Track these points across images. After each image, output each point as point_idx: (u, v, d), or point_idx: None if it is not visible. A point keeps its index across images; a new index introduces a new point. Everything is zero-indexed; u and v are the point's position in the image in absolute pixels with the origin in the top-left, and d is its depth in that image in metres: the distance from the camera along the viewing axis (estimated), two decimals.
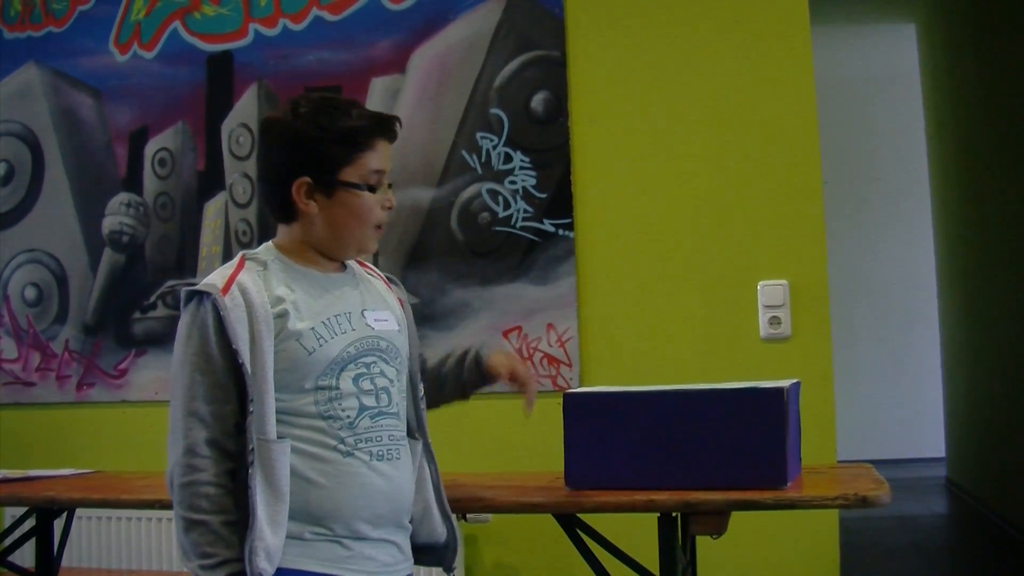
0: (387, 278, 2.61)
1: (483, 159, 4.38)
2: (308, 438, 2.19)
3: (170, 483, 2.13)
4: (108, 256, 4.79)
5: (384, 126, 2.34)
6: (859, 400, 10.16)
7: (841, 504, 3.04)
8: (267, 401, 2.14)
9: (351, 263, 2.46)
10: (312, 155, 2.27)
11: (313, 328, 2.21)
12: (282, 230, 2.36)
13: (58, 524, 3.57)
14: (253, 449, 2.12)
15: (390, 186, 2.39)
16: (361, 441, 2.23)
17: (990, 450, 8.25)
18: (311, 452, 2.18)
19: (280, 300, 2.21)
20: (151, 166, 4.76)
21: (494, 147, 4.37)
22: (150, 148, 4.77)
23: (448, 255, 4.40)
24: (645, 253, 4.23)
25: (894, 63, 10.48)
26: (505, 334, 4.32)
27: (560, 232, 4.31)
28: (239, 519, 2.11)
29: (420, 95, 4.47)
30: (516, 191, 4.35)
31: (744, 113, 4.26)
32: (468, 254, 4.38)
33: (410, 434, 2.45)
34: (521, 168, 4.35)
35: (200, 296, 2.19)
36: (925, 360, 10.40)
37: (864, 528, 7.20)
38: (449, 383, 2.79)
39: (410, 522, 2.41)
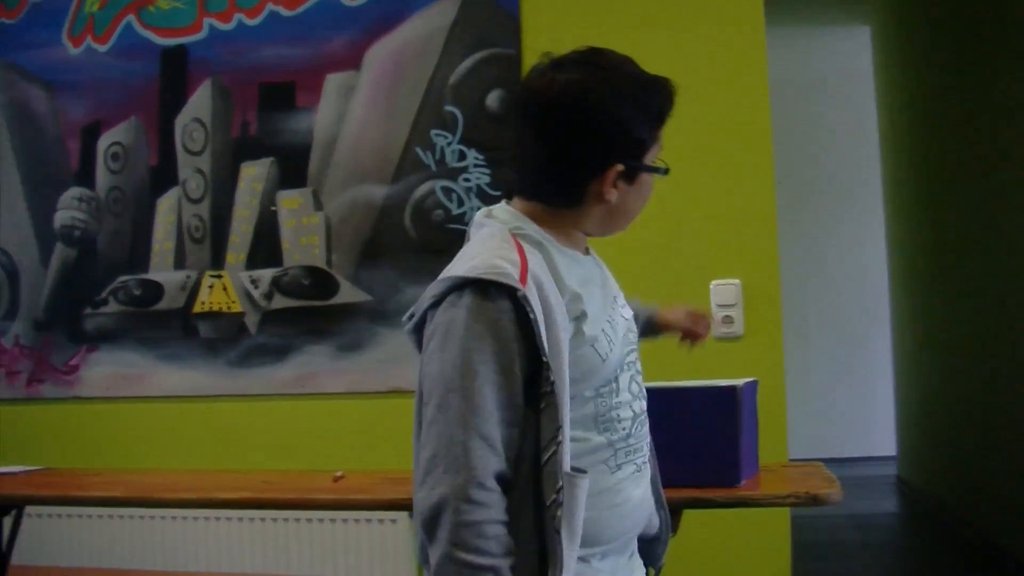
0: None
1: (437, 156, 4.37)
2: (583, 452, 1.87)
3: (435, 516, 1.70)
4: (60, 251, 4.76)
5: (672, 97, 1.95)
6: (811, 399, 10.23)
7: (792, 502, 3.06)
8: (567, 425, 1.78)
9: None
10: (629, 137, 1.89)
11: (603, 330, 1.89)
12: (536, 207, 1.95)
13: (8, 522, 3.54)
14: (563, 487, 1.75)
15: None
16: (630, 453, 1.95)
17: (940, 449, 8.32)
18: (581, 469, 1.82)
19: (577, 298, 1.86)
20: (104, 160, 4.73)
21: (448, 144, 4.36)
22: (103, 142, 4.74)
23: (401, 252, 4.39)
24: (597, 252, 4.24)
25: (848, 65, 10.55)
26: None
27: None
28: (535, 560, 1.76)
29: (374, 92, 4.46)
30: (470, 189, 4.35)
31: (698, 113, 4.28)
32: (422, 252, 4.38)
33: None
34: (475, 166, 4.34)
35: (488, 287, 1.75)
36: (877, 359, 10.48)
37: (815, 526, 7.25)
38: None
39: None
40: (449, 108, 4.38)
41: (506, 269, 1.75)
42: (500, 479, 1.72)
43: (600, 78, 1.88)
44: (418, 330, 1.87)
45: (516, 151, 1.99)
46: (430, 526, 1.71)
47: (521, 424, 1.75)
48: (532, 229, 1.90)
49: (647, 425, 2.04)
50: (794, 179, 9.95)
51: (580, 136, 1.87)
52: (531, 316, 1.73)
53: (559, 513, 1.74)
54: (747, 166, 4.22)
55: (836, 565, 6.53)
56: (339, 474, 3.59)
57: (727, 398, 2.77)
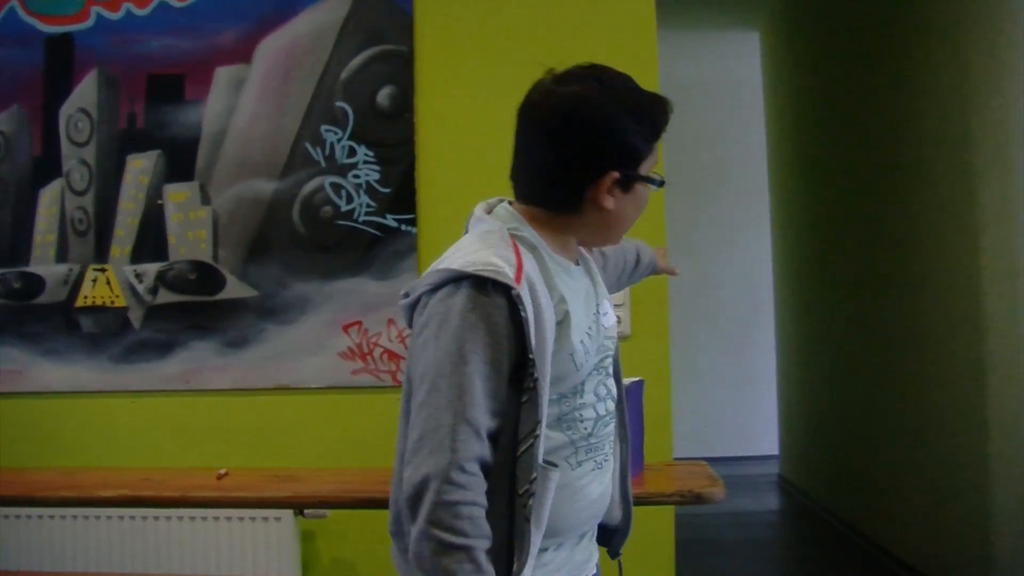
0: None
1: (327, 152, 4.35)
2: (546, 449, 1.94)
3: (418, 494, 1.80)
4: None
5: (668, 112, 2.09)
6: (697, 399, 10.35)
7: (676, 501, 3.11)
8: (545, 421, 1.89)
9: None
10: (624, 147, 1.99)
11: (582, 340, 1.98)
12: (534, 211, 2.04)
13: None
14: (536, 478, 1.86)
15: None
16: (591, 451, 2.04)
17: (818, 448, 8.48)
18: (546, 463, 1.93)
19: (563, 302, 1.94)
20: None
21: (338, 140, 4.34)
22: None
23: (289, 248, 4.36)
24: None
25: (738, 69, 10.67)
26: (345, 328, 4.31)
27: (403, 227, 4.30)
28: (502, 547, 1.86)
29: (265, 86, 4.43)
30: (359, 185, 4.33)
31: None
32: (310, 248, 4.35)
33: None
34: (365, 162, 4.33)
35: (485, 283, 1.84)
36: (761, 360, 10.62)
37: (699, 524, 7.33)
38: (624, 278, 2.78)
39: None
40: (340, 104, 4.36)
41: (503, 268, 1.83)
42: (482, 465, 1.82)
43: (599, 90, 2.00)
44: (411, 309, 1.97)
45: (517, 158, 2.05)
46: (412, 503, 1.81)
47: (502, 414, 1.85)
48: (528, 232, 1.99)
49: (612, 424, 2.13)
50: (683, 181, 10.03)
51: (578, 142, 1.96)
52: (523, 314, 1.82)
53: (530, 503, 1.86)
54: None
55: (718, 562, 6.62)
56: (222, 472, 3.56)
57: None
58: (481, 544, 1.79)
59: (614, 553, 2.34)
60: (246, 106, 4.43)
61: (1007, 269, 4.68)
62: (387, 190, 4.32)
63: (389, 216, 4.32)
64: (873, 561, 6.51)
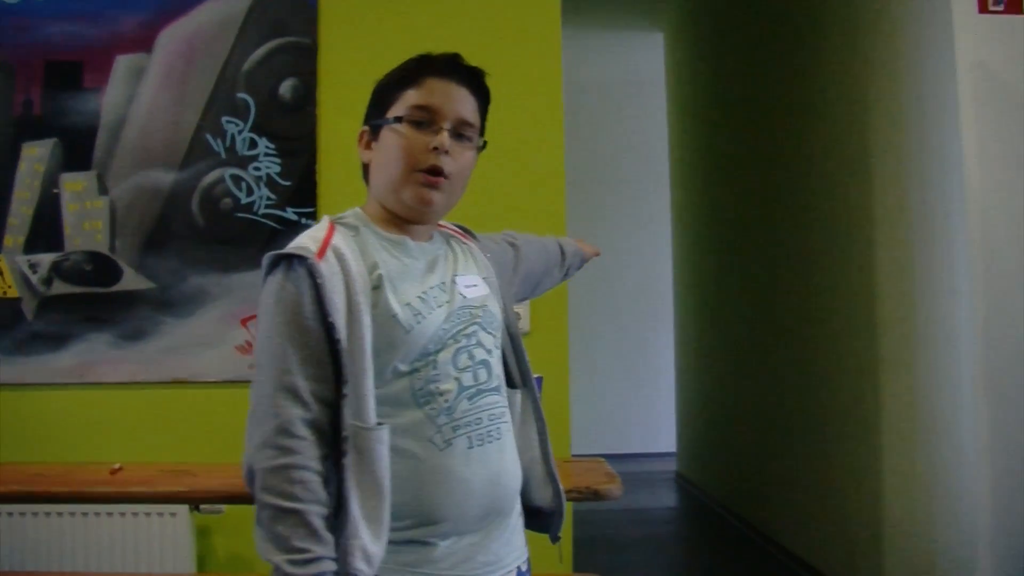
0: (459, 230, 2.38)
1: (228, 144, 4.31)
2: (403, 429, 1.93)
3: (250, 469, 1.85)
4: None
5: (430, 62, 2.14)
6: (596, 396, 10.42)
7: (575, 497, 3.12)
8: (365, 383, 1.88)
9: (440, 230, 2.26)
10: (372, 103, 2.16)
11: (409, 303, 1.98)
12: (369, 199, 2.18)
13: None
14: (347, 437, 1.86)
15: (460, 135, 2.15)
16: (459, 427, 1.98)
17: (716, 445, 8.59)
18: (404, 447, 1.93)
19: (375, 267, 1.99)
20: None
21: (239, 132, 4.30)
22: None
23: (188, 240, 4.31)
24: None
25: (642, 69, 10.76)
26: (244, 322, 4.27)
27: (303, 221, 4.27)
28: (333, 514, 1.86)
29: (166, 75, 4.37)
30: (260, 178, 4.30)
31: (492, 111, 4.31)
32: (208, 240, 4.30)
33: (512, 385, 2.23)
34: (266, 155, 4.30)
35: (291, 260, 1.93)
36: (661, 359, 10.73)
37: (597, 520, 7.38)
38: (557, 271, 2.85)
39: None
40: (242, 95, 4.32)
41: (305, 244, 1.95)
42: (312, 426, 1.85)
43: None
44: None
45: None
46: (249, 476, 1.85)
47: (330, 380, 1.88)
48: (353, 216, 2.12)
49: (492, 397, 2.08)
50: (586, 179, 10.11)
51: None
52: (318, 280, 1.89)
53: (345, 462, 1.86)
54: (539, 165, 4.28)
55: (616, 558, 6.66)
56: (116, 466, 3.51)
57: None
58: (314, 508, 1.81)
59: (554, 537, 2.29)
60: (146, 95, 4.37)
61: (901, 268, 4.77)
62: (288, 183, 4.29)
63: (289, 209, 4.29)
64: (767, 556, 6.61)
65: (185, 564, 4.08)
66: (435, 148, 2.06)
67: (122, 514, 4.07)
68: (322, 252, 1.93)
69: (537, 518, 2.25)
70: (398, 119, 2.08)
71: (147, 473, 3.52)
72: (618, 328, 11.01)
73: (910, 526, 4.71)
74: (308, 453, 1.83)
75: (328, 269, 1.91)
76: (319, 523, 1.80)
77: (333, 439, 1.88)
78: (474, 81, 2.20)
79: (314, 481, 1.82)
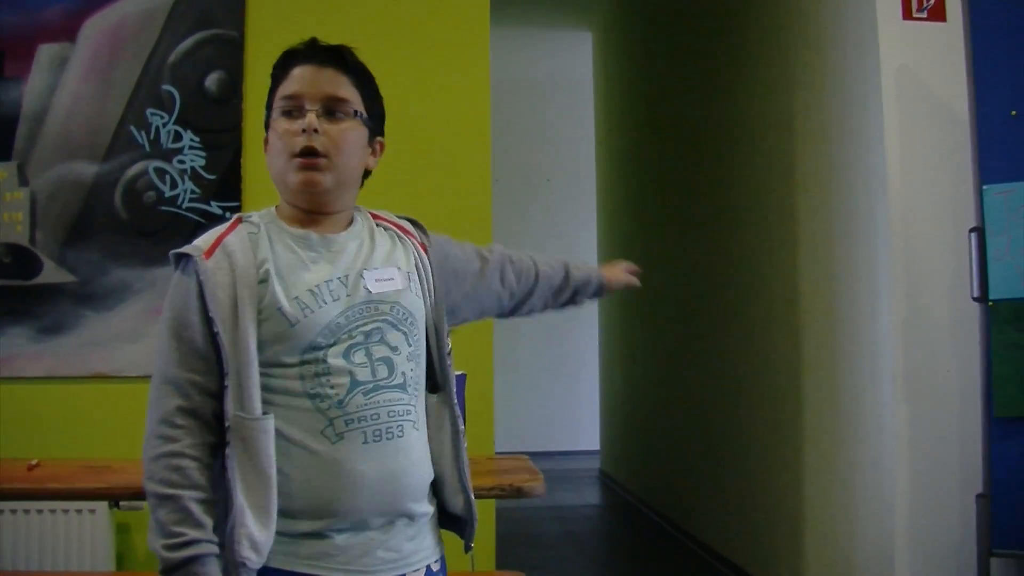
0: (403, 223, 2.34)
1: (152, 136, 4.27)
2: (295, 420, 1.94)
3: (143, 455, 1.89)
4: None
5: (293, 53, 2.17)
6: (520, 394, 10.44)
7: (497, 495, 3.13)
8: (247, 374, 1.91)
9: (361, 218, 2.23)
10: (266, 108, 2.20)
11: (297, 297, 1.97)
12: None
13: None
14: (230, 427, 1.89)
15: (333, 111, 2.12)
16: (353, 422, 1.96)
17: (639, 444, 8.65)
18: (296, 439, 1.93)
19: (264, 262, 2.00)
20: None
21: (164, 125, 4.26)
22: None
23: (110, 233, 4.26)
24: None
25: (570, 68, 10.79)
26: None
27: (227, 215, 4.22)
28: (216, 500, 1.88)
29: (90, 66, 4.31)
30: (184, 171, 4.26)
31: (419, 109, 4.31)
32: (131, 233, 4.26)
33: (434, 389, 2.19)
34: (191, 148, 4.26)
35: (185, 259, 1.99)
36: (585, 357, 10.77)
37: (520, 518, 7.40)
38: (567, 295, 2.74)
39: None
40: (167, 88, 4.28)
41: (199, 243, 2.00)
42: (191, 415, 1.91)
43: None
44: None
45: None
46: (144, 467, 1.89)
47: (215, 373, 1.93)
48: (261, 214, 2.14)
49: (397, 393, 2.04)
50: (512, 177, 10.13)
51: None
52: (200, 277, 1.95)
53: (229, 451, 1.89)
54: (465, 163, 4.28)
55: (538, 555, 6.68)
56: (34, 462, 3.46)
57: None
58: (191, 494, 1.85)
59: (466, 547, 2.26)
60: (69, 86, 4.31)
61: (823, 268, 4.83)
62: (212, 176, 4.25)
63: (214, 203, 4.26)
64: (689, 552, 6.66)
65: (105, 561, 4.04)
66: (304, 131, 2.07)
67: (40, 511, 4.01)
68: (211, 250, 1.98)
69: (454, 523, 2.23)
70: (284, 113, 2.11)
71: (66, 469, 3.47)
72: (542, 326, 11.02)
73: (830, 523, 4.77)
74: (185, 441, 1.88)
75: (214, 265, 1.96)
76: (196, 507, 1.84)
77: (220, 429, 1.92)
78: (339, 58, 2.16)
79: (191, 468, 1.86)
